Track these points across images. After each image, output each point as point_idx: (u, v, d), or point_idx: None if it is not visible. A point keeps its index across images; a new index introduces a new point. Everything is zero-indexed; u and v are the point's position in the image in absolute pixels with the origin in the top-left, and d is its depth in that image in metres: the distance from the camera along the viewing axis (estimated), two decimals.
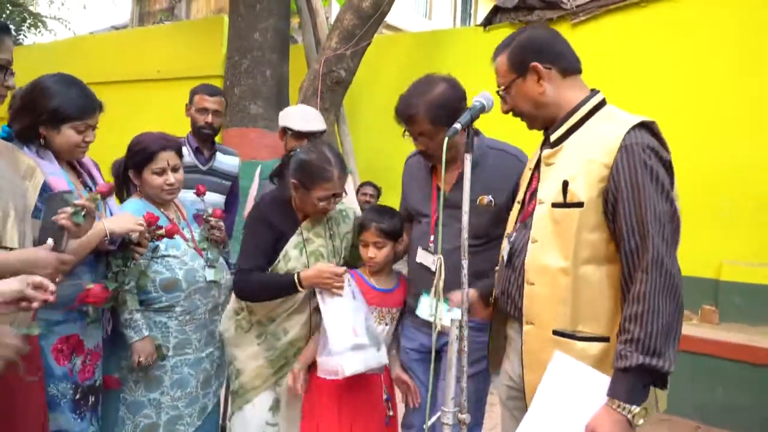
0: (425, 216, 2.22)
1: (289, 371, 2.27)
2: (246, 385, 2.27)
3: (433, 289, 1.77)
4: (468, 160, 1.62)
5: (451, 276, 1.71)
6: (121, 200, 2.38)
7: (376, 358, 2.14)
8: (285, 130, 2.98)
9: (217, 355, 2.41)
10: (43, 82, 1.98)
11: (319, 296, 2.18)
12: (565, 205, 1.56)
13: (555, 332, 1.57)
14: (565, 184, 1.56)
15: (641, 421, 1.41)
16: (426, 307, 1.96)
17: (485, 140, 2.16)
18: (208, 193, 2.68)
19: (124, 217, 2.08)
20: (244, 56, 5.31)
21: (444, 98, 2.01)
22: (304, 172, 2.18)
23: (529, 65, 1.64)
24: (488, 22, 5.39)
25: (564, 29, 4.63)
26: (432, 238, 2.15)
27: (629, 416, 1.40)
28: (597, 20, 4.82)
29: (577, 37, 4.66)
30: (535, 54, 1.65)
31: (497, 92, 1.74)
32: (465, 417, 1.57)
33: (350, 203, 3.09)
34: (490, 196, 2.02)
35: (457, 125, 1.63)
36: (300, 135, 2.87)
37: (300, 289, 2.16)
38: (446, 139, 1.62)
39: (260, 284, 2.22)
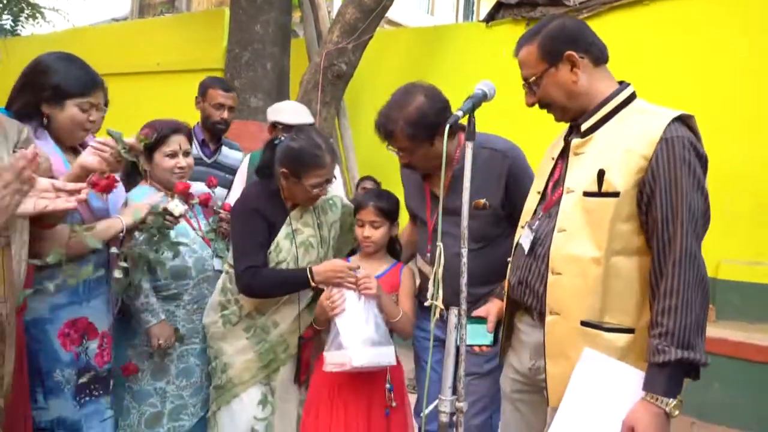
0: (424, 222, 2.20)
1: (278, 366, 2.25)
2: (234, 380, 2.24)
3: (431, 280, 1.75)
4: (469, 148, 1.61)
5: (453, 282, 1.66)
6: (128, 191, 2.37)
7: (385, 355, 2.12)
8: (275, 125, 3.02)
9: None
10: (44, 59, 1.98)
11: (328, 292, 2.16)
12: (599, 194, 1.54)
13: (583, 323, 1.55)
14: (601, 173, 1.53)
15: (677, 413, 1.42)
16: (472, 335, 1.84)
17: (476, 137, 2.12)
18: None
19: (137, 206, 2.09)
20: (245, 49, 5.29)
21: (420, 114, 1.97)
22: (294, 160, 2.14)
23: (564, 54, 1.61)
24: (491, 17, 5.37)
25: None
26: (430, 246, 2.13)
27: (667, 409, 1.41)
28: (600, 17, 4.79)
29: None
30: (568, 43, 1.62)
31: (524, 85, 1.70)
32: (462, 405, 1.56)
33: (338, 191, 3.10)
34: (485, 198, 1.97)
35: (459, 113, 1.61)
36: (291, 129, 2.81)
37: (312, 284, 2.14)
38: (447, 127, 1.60)
39: (271, 281, 2.18)
